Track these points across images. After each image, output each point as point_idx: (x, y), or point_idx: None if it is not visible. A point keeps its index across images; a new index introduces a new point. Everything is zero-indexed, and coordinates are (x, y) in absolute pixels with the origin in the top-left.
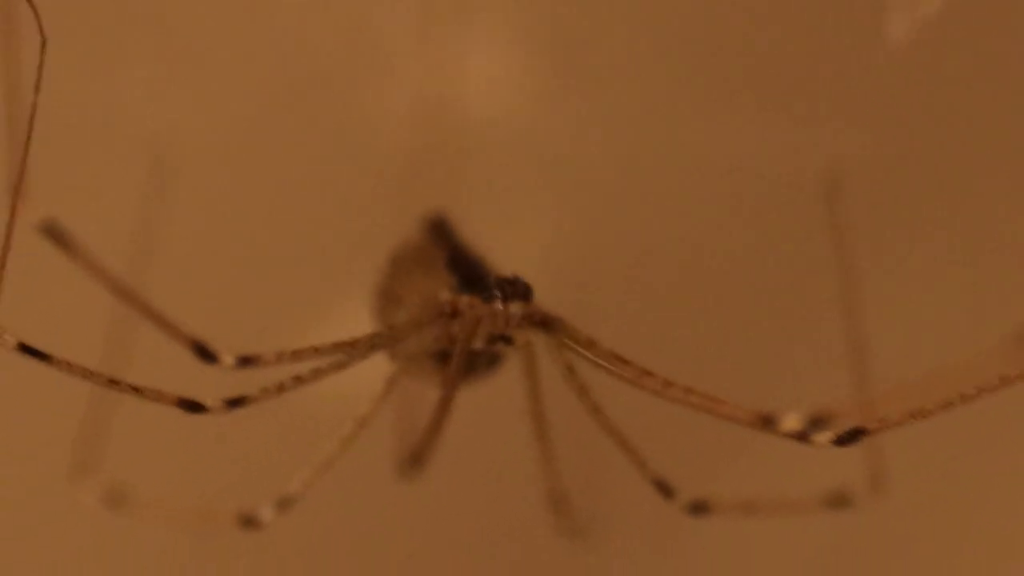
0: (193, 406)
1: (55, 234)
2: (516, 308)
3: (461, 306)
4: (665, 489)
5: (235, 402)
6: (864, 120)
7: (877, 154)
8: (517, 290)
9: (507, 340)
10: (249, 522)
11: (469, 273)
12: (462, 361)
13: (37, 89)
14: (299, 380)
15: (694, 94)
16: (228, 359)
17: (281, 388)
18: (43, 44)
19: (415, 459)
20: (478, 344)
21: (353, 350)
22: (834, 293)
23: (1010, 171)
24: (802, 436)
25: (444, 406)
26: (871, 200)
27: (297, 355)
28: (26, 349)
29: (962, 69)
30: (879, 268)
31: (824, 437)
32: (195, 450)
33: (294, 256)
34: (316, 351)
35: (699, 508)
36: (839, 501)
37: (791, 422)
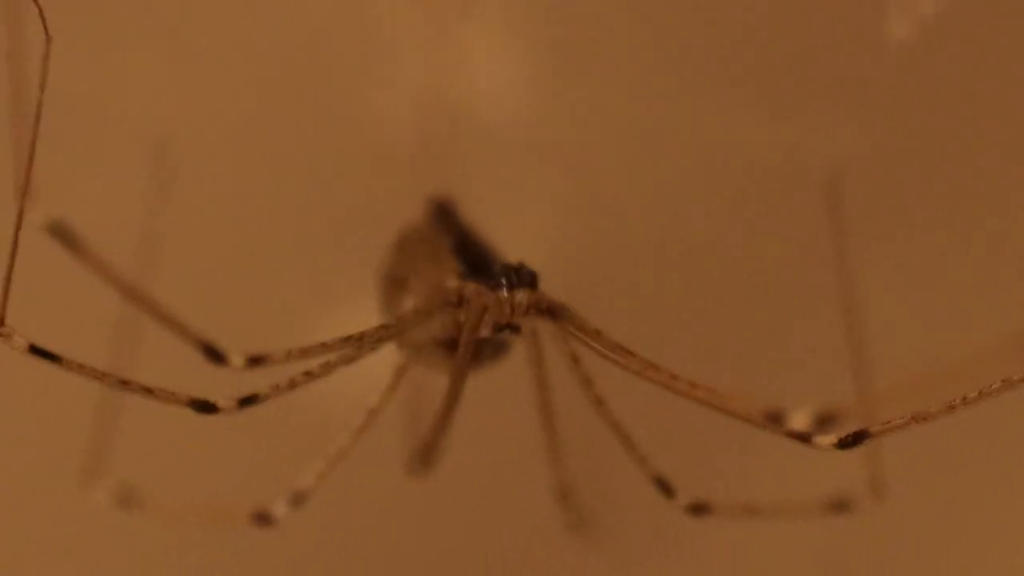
0: (205, 406)
1: (62, 234)
2: (522, 296)
3: (467, 294)
4: (666, 488)
5: (247, 400)
6: (865, 116)
7: (878, 150)
8: (523, 278)
9: (513, 328)
10: (263, 518)
11: (475, 260)
12: (469, 351)
13: (43, 87)
14: (309, 375)
15: (697, 88)
16: (237, 360)
17: (292, 384)
18: (48, 42)
19: (424, 457)
20: (484, 332)
21: (361, 343)
22: (837, 290)
23: (1011, 168)
24: (805, 438)
25: (452, 397)
26: (873, 196)
27: (306, 352)
28: (37, 351)
29: (962, 67)
30: (882, 265)
31: (827, 440)
32: (205, 448)
33: (298, 250)
34: (324, 347)
35: (699, 509)
36: (840, 506)
37: (799, 420)
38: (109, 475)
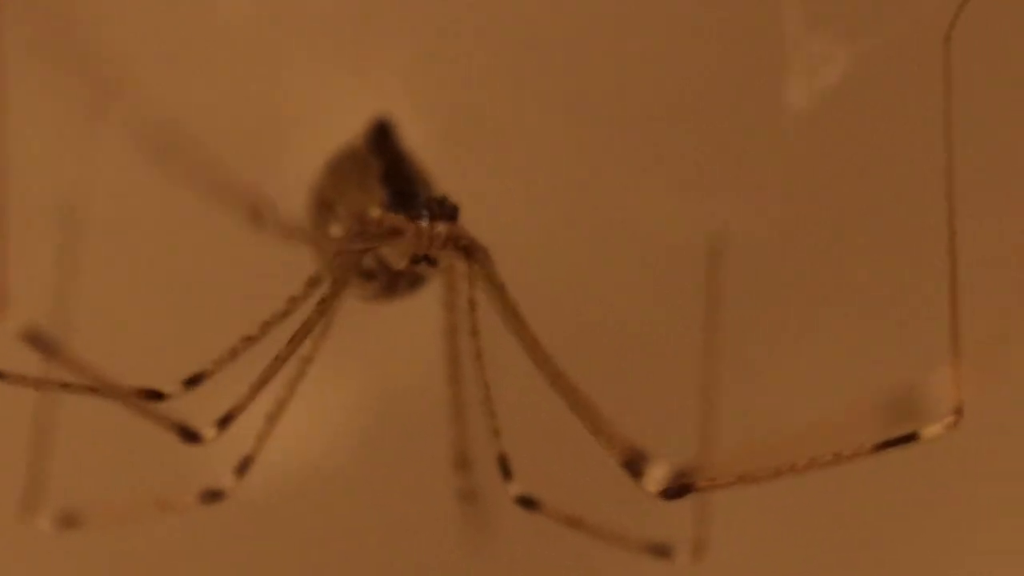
0: (152, 394)
1: (40, 342)
2: (442, 228)
3: (387, 225)
4: (505, 469)
5: (192, 381)
6: (761, 187)
7: (773, 220)
8: (445, 210)
9: (431, 261)
10: (213, 495)
11: (401, 188)
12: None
13: None
14: (249, 339)
15: (595, 154)
16: (210, 432)
17: (234, 353)
18: None
19: None
20: (402, 264)
21: (298, 302)
22: (705, 355)
23: (895, 247)
24: (636, 474)
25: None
26: (762, 263)
27: (271, 372)
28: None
29: (855, 143)
30: (754, 334)
31: (653, 485)
32: (135, 444)
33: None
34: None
35: (528, 503)
36: (660, 551)
37: (657, 468)
38: (47, 502)
